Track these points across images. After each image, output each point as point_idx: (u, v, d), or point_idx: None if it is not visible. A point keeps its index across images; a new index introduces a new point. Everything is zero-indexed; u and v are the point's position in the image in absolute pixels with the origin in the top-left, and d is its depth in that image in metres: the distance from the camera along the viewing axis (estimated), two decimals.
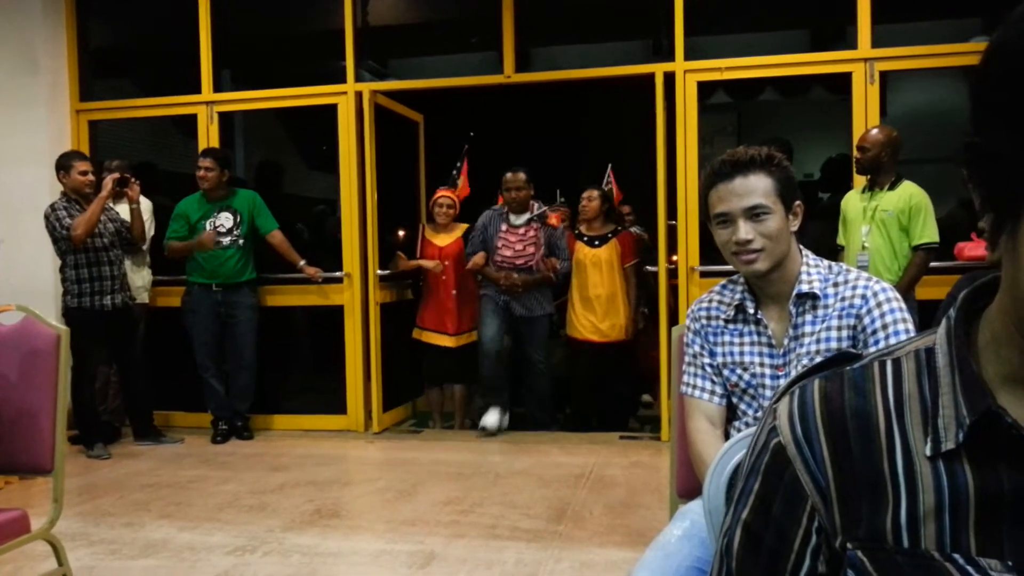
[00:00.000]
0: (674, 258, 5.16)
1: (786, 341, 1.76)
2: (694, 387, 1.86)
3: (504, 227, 5.24)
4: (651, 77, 5.03)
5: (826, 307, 1.75)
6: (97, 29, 6.05)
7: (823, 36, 5.34)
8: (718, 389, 1.84)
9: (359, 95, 5.45)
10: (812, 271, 1.77)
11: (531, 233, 5.20)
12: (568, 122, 4.97)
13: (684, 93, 5.01)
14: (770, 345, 1.78)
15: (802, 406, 0.72)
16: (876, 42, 4.81)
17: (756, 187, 1.71)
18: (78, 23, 5.81)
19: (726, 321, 1.83)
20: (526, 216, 5.23)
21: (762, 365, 1.78)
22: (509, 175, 5.21)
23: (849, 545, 0.68)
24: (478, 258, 5.23)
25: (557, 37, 5.83)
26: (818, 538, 0.70)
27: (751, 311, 1.80)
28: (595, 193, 5.37)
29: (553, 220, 5.26)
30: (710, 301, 1.88)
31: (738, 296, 1.82)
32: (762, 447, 0.74)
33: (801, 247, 1.82)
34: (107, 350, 4.97)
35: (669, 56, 5.11)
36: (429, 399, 5.65)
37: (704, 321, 1.87)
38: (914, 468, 0.66)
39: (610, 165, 5.99)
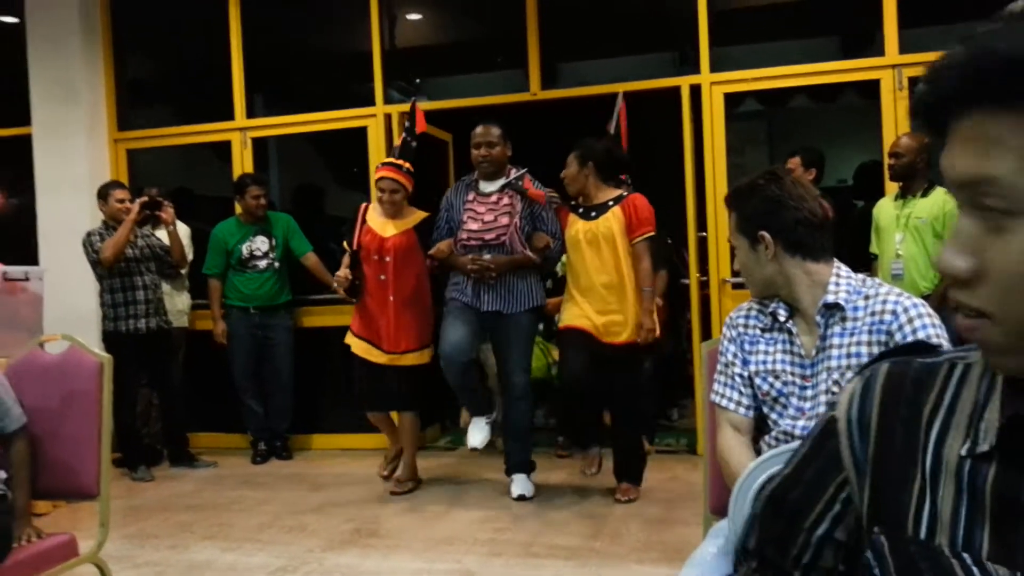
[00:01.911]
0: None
1: (814, 352, 1.78)
2: (723, 396, 1.90)
3: (471, 196, 4.17)
4: (677, 90, 5.04)
5: (855, 319, 1.76)
6: (133, 61, 6.23)
7: (850, 43, 5.31)
8: (745, 400, 1.87)
9: (388, 117, 5.53)
10: (841, 282, 1.78)
11: (504, 201, 4.11)
12: (596, 136, 4.94)
13: (711, 105, 5.01)
14: (799, 355, 1.80)
15: (866, 388, 0.76)
16: (904, 48, 4.78)
17: (730, 225, 1.90)
18: (115, 55, 5.98)
19: (762, 330, 1.87)
20: (500, 182, 4.14)
21: (792, 374, 1.81)
22: (479, 128, 4.17)
23: (876, 529, 0.71)
24: (442, 245, 4.14)
25: (582, 53, 5.86)
26: (842, 508, 0.76)
27: (782, 319, 1.83)
28: (571, 159, 4.16)
29: (536, 193, 4.13)
30: (749, 309, 1.92)
31: (774, 305, 1.85)
32: (821, 419, 0.81)
33: (836, 260, 1.83)
34: (146, 373, 5.08)
35: (695, 68, 5.12)
36: (374, 421, 4.57)
37: (741, 328, 1.90)
38: (941, 464, 0.69)
39: (621, 94, 4.93)
